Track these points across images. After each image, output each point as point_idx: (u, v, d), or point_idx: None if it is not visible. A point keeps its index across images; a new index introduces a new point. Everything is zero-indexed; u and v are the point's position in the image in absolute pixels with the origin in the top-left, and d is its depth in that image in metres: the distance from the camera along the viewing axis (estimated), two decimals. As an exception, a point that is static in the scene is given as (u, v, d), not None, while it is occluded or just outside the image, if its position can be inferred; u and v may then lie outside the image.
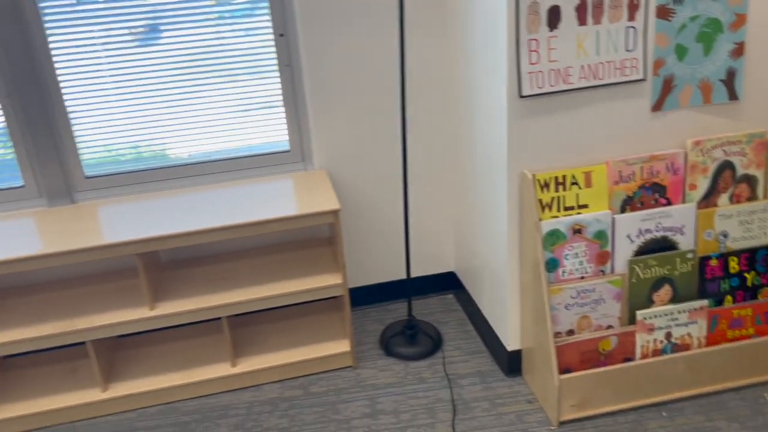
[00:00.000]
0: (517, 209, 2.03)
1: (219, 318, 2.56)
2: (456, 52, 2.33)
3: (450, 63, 2.42)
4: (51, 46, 2.22)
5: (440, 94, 2.49)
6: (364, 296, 2.78)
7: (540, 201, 1.95)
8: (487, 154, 2.16)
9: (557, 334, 2.02)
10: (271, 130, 2.53)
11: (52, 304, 2.28)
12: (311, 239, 2.63)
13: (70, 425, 2.22)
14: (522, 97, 1.86)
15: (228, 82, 2.41)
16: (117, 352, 2.48)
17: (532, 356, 2.15)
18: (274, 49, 2.40)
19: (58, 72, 2.26)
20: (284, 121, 2.52)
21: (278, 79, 2.45)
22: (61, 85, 2.27)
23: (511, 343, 2.23)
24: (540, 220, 1.95)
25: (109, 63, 2.29)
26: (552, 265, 1.98)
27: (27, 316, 2.22)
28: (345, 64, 2.38)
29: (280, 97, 2.48)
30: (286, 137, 2.54)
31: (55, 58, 2.24)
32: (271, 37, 2.39)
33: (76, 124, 2.34)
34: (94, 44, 2.26)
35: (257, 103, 2.47)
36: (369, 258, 2.71)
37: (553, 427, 2.04)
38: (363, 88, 2.43)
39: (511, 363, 2.26)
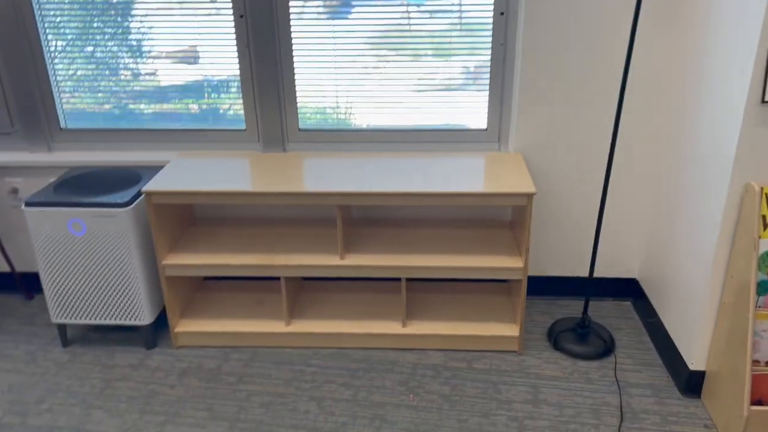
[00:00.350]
0: (733, 223, 1.89)
1: (398, 279, 2.68)
2: (686, 47, 2.19)
3: (677, 57, 2.28)
4: (291, 11, 2.43)
5: (659, 89, 2.37)
6: (536, 286, 2.75)
7: (763, 217, 1.80)
8: (705, 159, 2.02)
9: (755, 362, 1.87)
10: (470, 108, 2.57)
11: (255, 239, 2.52)
12: (492, 220, 2.65)
13: (254, 349, 2.46)
14: (764, 102, 1.72)
15: (439, 57, 2.48)
16: (300, 293, 2.69)
17: (718, 380, 2.00)
18: (490, 27, 2.43)
19: (293, 33, 2.47)
20: (485, 100, 2.54)
21: (488, 58, 2.47)
22: (294, 45, 2.48)
23: (695, 362, 2.10)
24: (759, 237, 1.80)
25: (334, 30, 2.46)
26: (763, 287, 1.83)
27: (233, 245, 2.48)
28: (563, 48, 2.34)
29: (487, 76, 2.50)
30: (485, 116, 2.57)
31: (292, 20, 2.44)
32: (491, 15, 2.41)
33: (299, 81, 2.55)
34: (321, 11, 2.43)
35: (462, 79, 2.52)
36: (548, 249, 2.67)
37: (731, 459, 1.90)
38: (577, 75, 2.37)
39: (691, 382, 2.13)
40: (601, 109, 2.42)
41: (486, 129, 2.58)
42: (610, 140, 2.45)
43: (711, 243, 1.97)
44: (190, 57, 2.54)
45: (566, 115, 2.44)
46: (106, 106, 2.63)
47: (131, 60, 2.54)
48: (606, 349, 2.39)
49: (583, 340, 2.41)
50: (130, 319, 2.41)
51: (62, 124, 2.65)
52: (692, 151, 2.13)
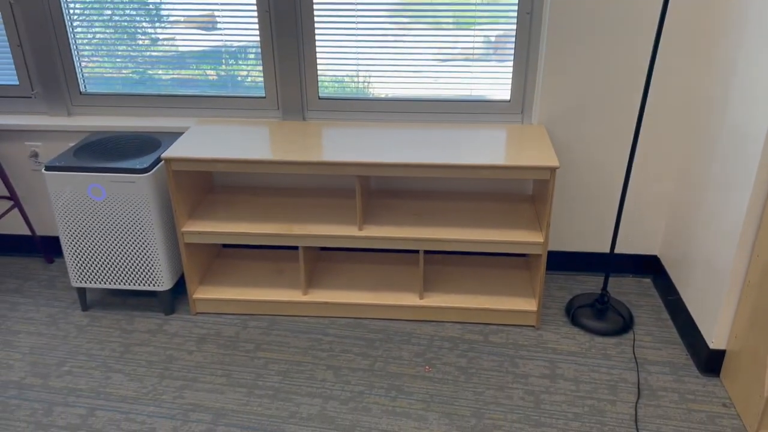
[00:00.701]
0: (761, 201, 1.85)
1: (416, 251, 2.67)
2: (721, 15, 2.12)
3: (709, 27, 2.22)
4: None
5: (690, 61, 2.30)
6: (554, 260, 2.73)
7: (794, 195, 1.76)
8: (735, 135, 1.97)
9: (778, 343, 1.85)
10: (493, 79, 2.52)
11: (274, 208, 2.52)
12: (512, 194, 2.62)
13: (271, 318, 2.48)
14: (802, 77, 1.66)
15: (462, 26, 2.43)
16: (319, 262, 2.69)
17: (739, 360, 1.98)
18: (517, -4, 2.37)
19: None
20: (509, 70, 2.49)
21: (513, 27, 2.42)
22: (315, 11, 2.43)
23: (715, 342, 2.08)
24: (789, 216, 1.76)
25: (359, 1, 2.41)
26: (790, 267, 1.80)
27: (251, 213, 2.47)
28: (591, 18, 2.27)
29: (511, 46, 2.45)
30: (508, 87, 2.52)
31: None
32: (518, -17, 2.35)
33: (320, 49, 2.51)
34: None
35: (485, 49, 2.47)
36: (568, 224, 2.64)
37: (749, 439, 1.90)
38: (605, 46, 2.31)
39: (711, 362, 2.12)
40: (628, 80, 2.36)
41: (509, 100, 2.53)
42: (636, 113, 2.40)
43: (738, 221, 1.93)
44: (209, 23, 2.51)
45: (592, 87, 2.38)
46: (125, 72, 2.61)
47: (149, 25, 2.52)
48: (624, 325, 2.37)
49: (602, 317, 2.39)
50: (149, 285, 2.43)
51: (82, 89, 2.64)
52: (722, 126, 2.08)
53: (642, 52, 2.31)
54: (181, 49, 2.56)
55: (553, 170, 2.15)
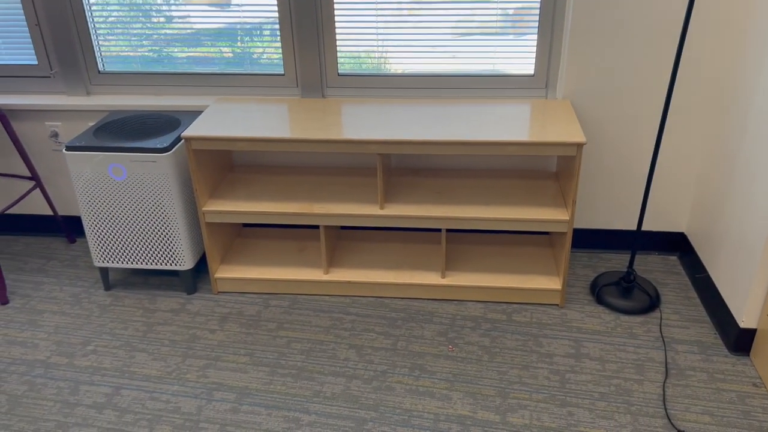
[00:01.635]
0: (797, 176, 1.79)
1: (438, 229, 2.65)
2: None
3: (744, 2, 2.13)
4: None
5: (723, 31, 2.22)
6: (578, 238, 2.69)
7: (832, 170, 1.70)
8: (767, 110, 1.91)
9: (812, 322, 1.80)
10: (516, 53, 2.46)
11: (294, 187, 2.49)
12: (534, 171, 2.57)
13: (293, 297, 2.47)
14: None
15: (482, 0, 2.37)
16: (339, 241, 2.67)
17: (770, 339, 1.94)
18: (542, -33, 2.30)
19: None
20: (533, 44, 2.43)
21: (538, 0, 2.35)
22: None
23: (745, 320, 2.03)
24: (827, 192, 1.70)
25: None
26: (827, 245, 1.74)
27: (271, 192, 2.45)
28: (617, -10, 2.21)
29: (535, 19, 2.38)
30: (532, 61, 2.46)
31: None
32: (543, -48, 2.28)
33: (339, 26, 2.46)
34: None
35: (509, 22, 2.40)
36: (593, 201, 2.59)
37: (781, 419, 1.86)
38: (634, 17, 2.24)
39: (740, 340, 2.07)
40: (657, 53, 2.28)
41: (533, 75, 2.47)
42: (666, 87, 2.33)
43: (772, 197, 1.87)
44: (225, 1, 2.47)
45: (620, 60, 2.31)
46: (141, 51, 2.58)
47: (164, 3, 2.48)
48: (651, 304, 2.33)
49: (628, 295, 2.35)
50: (170, 264, 2.43)
51: (100, 68, 2.62)
52: (753, 101, 2.01)
53: (672, 27, 2.24)
54: (196, 26, 2.53)
55: (579, 146, 2.09)
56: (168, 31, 2.54)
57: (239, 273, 2.50)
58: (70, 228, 2.93)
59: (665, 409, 1.91)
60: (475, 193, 2.42)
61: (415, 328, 2.28)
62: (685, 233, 2.58)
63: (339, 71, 2.53)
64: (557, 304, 2.38)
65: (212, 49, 2.56)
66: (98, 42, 2.58)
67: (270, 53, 2.53)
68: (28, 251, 2.84)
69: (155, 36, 2.55)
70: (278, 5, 2.43)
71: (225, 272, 2.50)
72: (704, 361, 2.09)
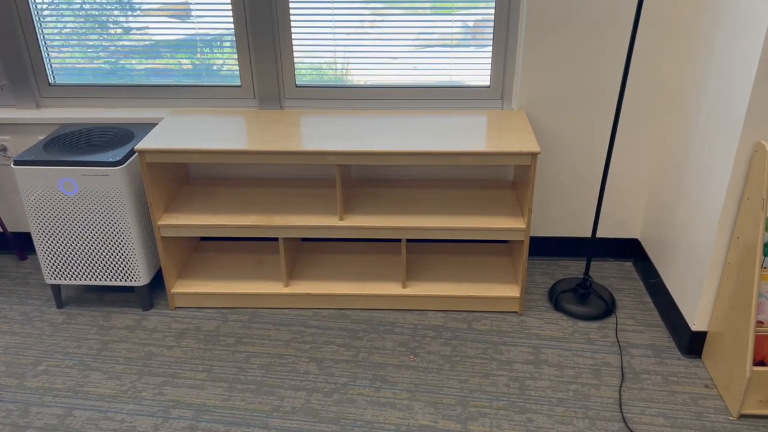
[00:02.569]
0: (741, 183, 1.85)
1: (398, 240, 2.65)
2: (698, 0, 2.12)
3: (688, 10, 2.21)
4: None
5: (669, 44, 2.30)
6: (536, 246, 2.73)
7: (773, 177, 1.76)
8: (714, 118, 1.97)
9: (759, 323, 1.86)
10: (472, 65, 2.49)
11: (252, 199, 2.47)
12: (492, 180, 2.60)
13: (252, 311, 2.44)
14: (781, 57, 1.66)
15: (438, 12, 2.39)
16: (299, 254, 2.65)
17: (720, 341, 2.00)
18: (495, -20, 2.34)
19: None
20: (488, 56, 2.47)
21: (492, 12, 2.39)
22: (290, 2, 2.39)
23: (696, 324, 2.09)
24: (768, 197, 1.77)
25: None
26: (770, 248, 1.81)
27: (229, 205, 2.43)
28: (571, 3, 2.25)
29: (490, 31, 2.42)
30: (488, 73, 2.50)
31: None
32: (495, -34, 2.32)
33: (296, 36, 2.45)
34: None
35: (464, 35, 2.44)
36: (549, 209, 2.64)
37: (732, 418, 1.90)
38: (585, 31, 2.29)
39: (692, 343, 2.13)
40: (608, 65, 2.35)
41: (489, 86, 2.50)
42: (616, 97, 2.40)
43: (718, 203, 1.93)
44: (182, 11, 2.44)
45: (573, 71, 2.37)
46: (96, 63, 2.53)
47: (121, 14, 2.44)
48: (607, 309, 2.37)
49: (584, 301, 2.39)
50: (125, 280, 2.38)
51: (51, 80, 2.56)
52: (701, 109, 2.08)
53: (621, 37, 2.30)
54: (155, 38, 2.49)
55: (534, 156, 2.13)
56: (126, 43, 2.50)
57: (197, 288, 2.45)
58: (21, 245, 2.84)
59: (621, 413, 1.95)
60: (434, 203, 2.44)
61: (376, 339, 2.28)
62: (639, 240, 2.65)
63: (297, 83, 2.53)
64: (516, 312, 2.40)
65: (171, 61, 2.53)
66: (48, 54, 2.52)
67: (230, 65, 2.51)
68: (-24, 269, 2.75)
69: (112, 48, 2.51)
70: (233, 16, 2.42)
71: (182, 287, 2.45)
72: (658, 364, 2.14)
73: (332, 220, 2.30)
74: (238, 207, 2.42)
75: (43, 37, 2.49)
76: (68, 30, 2.48)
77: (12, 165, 2.20)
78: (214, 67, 2.53)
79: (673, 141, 2.32)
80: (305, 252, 2.68)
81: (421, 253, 2.66)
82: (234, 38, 2.47)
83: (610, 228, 2.66)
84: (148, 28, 2.47)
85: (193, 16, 2.44)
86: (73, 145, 2.31)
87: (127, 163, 2.20)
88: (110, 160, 2.17)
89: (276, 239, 2.75)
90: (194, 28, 2.46)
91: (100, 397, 2.04)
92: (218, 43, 2.48)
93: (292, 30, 2.44)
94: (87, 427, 1.93)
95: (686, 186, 2.19)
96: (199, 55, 2.51)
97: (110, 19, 2.46)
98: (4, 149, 2.61)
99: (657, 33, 2.28)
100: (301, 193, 2.51)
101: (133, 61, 2.53)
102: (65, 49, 2.52)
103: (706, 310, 2.06)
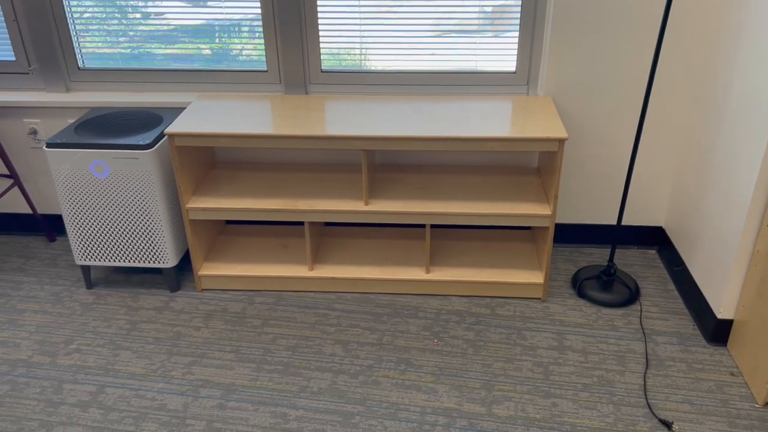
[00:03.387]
0: (772, 170, 1.84)
1: (422, 225, 2.66)
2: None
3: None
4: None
5: (700, 30, 2.27)
6: (560, 233, 2.73)
7: (806, 164, 1.75)
8: (744, 104, 1.95)
9: (787, 312, 1.85)
10: (498, 50, 2.48)
11: (278, 183, 2.49)
12: (516, 166, 2.60)
13: (277, 293, 2.47)
14: (817, 43, 1.64)
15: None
16: (324, 238, 2.68)
17: (746, 329, 1.99)
18: (523, -36, 2.32)
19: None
20: (515, 41, 2.46)
21: (519, -3, 2.38)
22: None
23: (723, 311, 2.08)
24: (800, 185, 1.75)
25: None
26: (801, 236, 1.79)
27: (255, 189, 2.45)
28: (597, -12, 2.25)
29: (517, 16, 2.41)
30: (514, 58, 2.49)
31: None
32: (524, -49, 2.30)
33: (322, 20, 2.46)
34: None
35: (490, 20, 2.43)
36: (574, 196, 2.63)
37: (757, 405, 1.90)
38: (615, 15, 2.27)
39: (718, 331, 2.12)
40: (637, 50, 2.33)
41: (515, 72, 2.50)
42: (644, 84, 2.38)
43: (747, 191, 1.92)
44: (209, -6, 2.46)
45: (600, 57, 2.35)
46: (118, 48, 2.56)
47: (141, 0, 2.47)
48: (631, 297, 2.37)
49: (608, 288, 2.39)
50: (154, 262, 2.41)
51: (80, 64, 2.59)
52: (730, 96, 2.06)
53: (651, 23, 2.28)
54: (173, 23, 2.51)
55: (561, 142, 2.13)
56: (144, 28, 2.52)
57: (223, 270, 2.49)
58: (50, 226, 2.89)
59: (646, 399, 1.96)
60: (458, 188, 2.44)
61: (400, 323, 2.30)
62: (664, 227, 2.64)
63: (322, 68, 2.54)
64: (540, 298, 2.41)
65: (190, 46, 2.54)
66: (77, 37, 2.55)
67: (249, 50, 2.53)
68: (7, 250, 2.80)
69: (131, 33, 2.53)
70: (261, 2, 2.43)
71: (209, 269, 2.49)
72: (683, 351, 2.14)
73: (357, 205, 2.32)
74: (263, 191, 2.44)
75: (73, 21, 2.52)
76: (89, 14, 2.51)
77: (44, 147, 2.24)
78: (233, 53, 2.54)
79: (700, 128, 2.30)
80: (329, 236, 2.70)
81: (444, 238, 2.67)
82: (253, 24, 2.48)
83: (635, 215, 2.65)
84: (165, 13, 2.48)
85: (211, 1, 2.45)
86: (104, 128, 2.35)
87: (156, 146, 2.23)
88: (140, 143, 2.20)
89: (301, 223, 2.77)
90: (212, 14, 2.48)
91: (131, 375, 2.09)
92: (236, 28, 2.49)
93: (319, 15, 2.44)
94: (119, 403, 1.97)
95: (713, 174, 2.17)
96: (217, 41, 2.52)
97: (129, 5, 2.48)
98: (35, 132, 2.65)
99: (687, 21, 2.26)
100: (326, 178, 2.53)
101: (153, 47, 2.55)
102: (88, 35, 2.54)
103: (732, 298, 2.06)
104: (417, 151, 2.62)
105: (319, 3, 2.42)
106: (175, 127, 2.22)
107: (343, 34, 2.49)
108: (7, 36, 2.55)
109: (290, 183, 2.50)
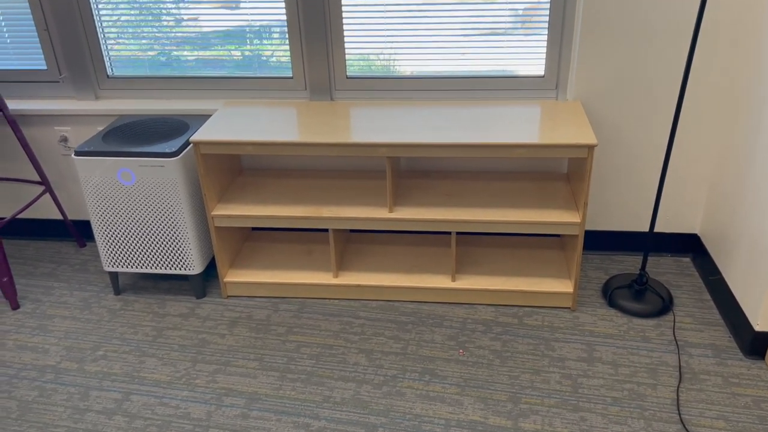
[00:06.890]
0: (813, 177, 1.77)
1: (448, 232, 2.63)
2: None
3: (757, 2, 2.11)
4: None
5: (735, 34, 2.19)
6: (590, 240, 2.66)
7: None
8: (783, 109, 1.88)
9: (830, 326, 1.77)
10: (526, 54, 2.43)
11: (302, 190, 2.48)
12: (545, 172, 2.55)
13: (302, 300, 2.46)
14: None
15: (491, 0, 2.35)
16: (348, 245, 2.66)
17: (786, 343, 1.91)
18: (551, -33, 2.27)
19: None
20: (543, 44, 2.41)
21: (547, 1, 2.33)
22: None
23: (761, 323, 2.00)
24: (844, 193, 1.67)
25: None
26: None
27: (280, 196, 2.45)
28: (628, -10, 2.19)
29: (545, 19, 2.36)
30: (542, 62, 2.44)
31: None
32: (552, -48, 2.25)
33: (348, 27, 2.44)
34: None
35: (518, 23, 2.38)
36: (604, 203, 2.57)
37: (798, 424, 1.83)
38: (646, 18, 2.21)
39: (756, 344, 2.04)
40: (669, 53, 2.26)
41: (543, 76, 2.45)
42: (677, 89, 2.30)
43: (787, 199, 1.85)
44: (233, 1, 2.46)
45: (631, 61, 2.29)
46: (150, 53, 2.58)
47: (173, 4, 2.48)
48: (664, 307, 2.30)
49: (640, 298, 2.33)
50: (180, 269, 2.43)
51: (109, 72, 2.62)
52: (766, 101, 1.98)
53: (685, 27, 2.21)
54: (205, 29, 2.52)
55: (591, 148, 2.07)
56: (177, 34, 2.54)
57: (248, 277, 2.49)
58: (80, 232, 2.93)
59: (679, 414, 1.89)
60: (485, 195, 2.40)
61: (425, 332, 2.27)
62: (699, 235, 2.55)
63: (347, 74, 2.52)
64: (569, 308, 2.36)
65: (221, 51, 2.56)
66: (107, 46, 2.58)
67: (279, 55, 2.53)
68: (39, 256, 2.85)
69: (164, 39, 2.55)
70: (286, 7, 2.43)
71: (234, 276, 2.49)
72: (718, 364, 2.06)
73: (382, 212, 2.29)
74: (288, 198, 2.43)
75: (102, 29, 2.55)
76: (122, 21, 2.53)
77: (73, 155, 2.27)
78: (264, 58, 2.54)
79: (736, 134, 2.22)
80: (354, 243, 2.68)
81: (471, 245, 2.63)
82: (283, 28, 2.47)
83: (668, 222, 2.57)
84: (198, 18, 2.50)
85: (243, 5, 2.46)
86: (131, 136, 2.37)
87: (182, 154, 2.24)
88: (166, 151, 2.21)
89: (325, 230, 2.76)
90: (244, 19, 2.48)
91: (156, 383, 2.10)
92: (267, 33, 2.49)
93: (344, 20, 2.43)
94: (143, 411, 1.98)
95: (751, 180, 2.09)
96: (248, 46, 2.52)
97: (163, 10, 2.50)
98: (65, 139, 2.69)
99: (722, 24, 2.18)
100: (351, 185, 2.51)
101: (185, 52, 2.57)
102: (120, 41, 2.57)
103: (771, 311, 1.98)
104: (442, 158, 2.59)
105: (344, 10, 2.41)
106: (201, 135, 2.23)
107: (368, 39, 2.47)
108: (39, 45, 2.60)
109: (315, 190, 2.49)
